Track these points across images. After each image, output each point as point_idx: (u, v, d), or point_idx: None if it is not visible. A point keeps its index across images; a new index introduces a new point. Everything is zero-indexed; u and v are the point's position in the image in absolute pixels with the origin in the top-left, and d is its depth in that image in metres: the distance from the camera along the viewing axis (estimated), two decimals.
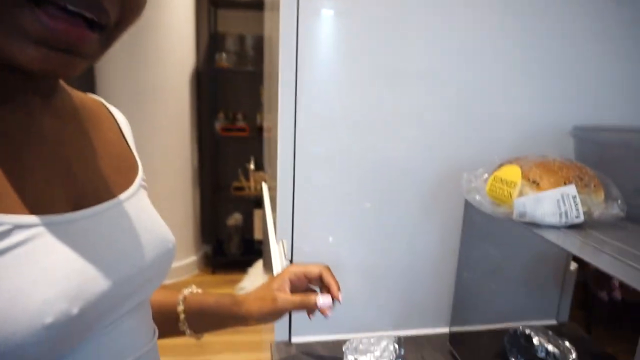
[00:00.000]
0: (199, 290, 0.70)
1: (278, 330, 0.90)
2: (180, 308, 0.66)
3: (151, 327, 0.56)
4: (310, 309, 0.69)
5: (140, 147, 0.61)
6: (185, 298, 0.67)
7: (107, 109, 0.57)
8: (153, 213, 0.55)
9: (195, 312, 0.67)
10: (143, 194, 0.55)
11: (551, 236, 0.57)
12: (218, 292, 0.70)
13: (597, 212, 0.59)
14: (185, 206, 3.03)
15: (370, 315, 0.94)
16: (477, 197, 0.68)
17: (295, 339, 0.91)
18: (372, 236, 0.91)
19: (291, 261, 0.87)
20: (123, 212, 0.48)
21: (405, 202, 0.89)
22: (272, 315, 0.68)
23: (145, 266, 0.49)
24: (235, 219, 3.23)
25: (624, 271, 0.47)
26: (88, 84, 2.75)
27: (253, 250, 3.13)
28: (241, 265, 3.01)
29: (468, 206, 0.80)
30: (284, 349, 0.88)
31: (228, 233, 3.23)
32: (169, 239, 0.54)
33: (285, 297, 0.68)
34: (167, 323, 0.65)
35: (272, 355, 0.86)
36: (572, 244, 0.55)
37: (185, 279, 3.07)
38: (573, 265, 0.95)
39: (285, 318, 0.90)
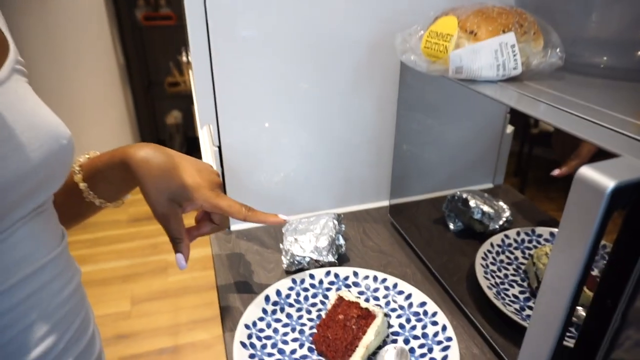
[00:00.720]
0: (97, 153, 0.59)
1: None
2: (78, 177, 0.56)
3: (58, 231, 0.49)
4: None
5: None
6: (81, 166, 0.57)
7: None
8: (37, 104, 0.45)
9: (94, 177, 0.57)
10: (19, 82, 0.44)
11: (488, 91, 0.53)
12: (114, 149, 0.57)
13: (535, 62, 0.55)
14: (117, 108, 2.81)
15: (311, 196, 0.92)
16: (412, 57, 0.62)
17: (234, 227, 0.88)
18: (311, 116, 0.85)
19: (219, 147, 0.81)
20: None
21: (342, 78, 0.82)
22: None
23: (33, 169, 0.41)
24: (174, 116, 3.06)
25: (561, 119, 0.44)
26: None
27: (197, 147, 3.02)
28: None
29: (404, 70, 0.74)
30: (224, 238, 0.85)
31: (169, 133, 3.08)
32: (62, 134, 0.45)
33: (171, 211, 0.56)
34: (73, 199, 0.57)
35: (211, 246, 0.83)
36: (509, 97, 0.52)
37: None
38: (509, 129, 0.95)
39: None
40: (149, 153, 0.54)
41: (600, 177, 0.32)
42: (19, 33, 2.41)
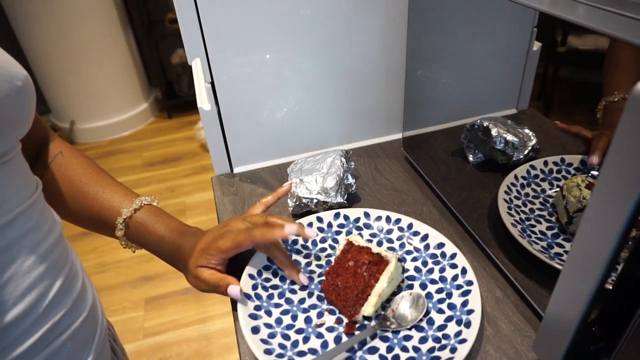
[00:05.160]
0: (146, 202, 0.58)
1: (217, 164, 0.82)
2: (120, 234, 0.57)
3: (29, 182, 0.45)
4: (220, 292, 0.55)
5: None
6: (127, 221, 0.57)
7: None
8: None
9: (136, 240, 0.59)
10: None
11: None
12: (167, 223, 0.58)
13: None
14: (120, 51, 2.71)
15: (317, 132, 0.85)
16: None
17: (237, 169, 0.83)
18: (314, 44, 0.76)
19: (212, 84, 0.74)
20: None
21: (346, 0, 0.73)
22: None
23: None
24: (180, 55, 2.94)
25: (605, 21, 0.35)
26: None
27: None
28: (196, 104, 2.83)
29: None
30: (226, 181, 0.80)
31: (176, 73, 2.98)
32: (15, 75, 0.40)
33: (201, 278, 0.55)
34: (109, 234, 0.59)
35: (213, 190, 0.79)
36: (541, 0, 0.43)
37: (142, 128, 2.94)
38: (536, 45, 0.84)
39: (222, 151, 0.81)
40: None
41: None
42: None
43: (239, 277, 0.57)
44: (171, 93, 3.04)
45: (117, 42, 2.68)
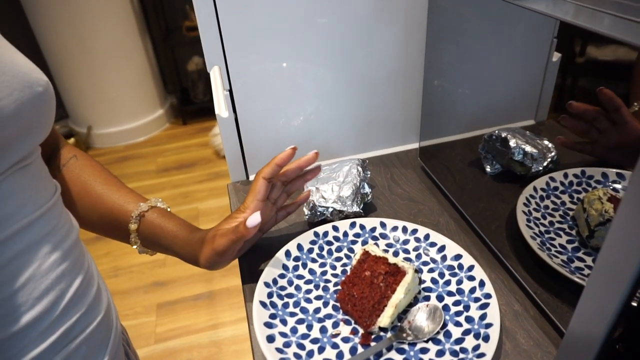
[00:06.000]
0: (160, 205, 0.59)
1: (233, 172, 0.82)
2: (133, 227, 0.57)
3: (48, 185, 0.46)
4: (245, 235, 0.53)
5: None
6: (141, 218, 0.57)
7: None
8: (5, 48, 0.40)
9: (148, 236, 0.58)
10: None
11: (537, 5, 0.44)
12: (179, 221, 0.60)
13: None
14: (137, 58, 2.76)
15: (333, 140, 0.85)
16: None
17: (254, 177, 0.83)
18: (330, 53, 0.76)
19: (230, 91, 0.74)
20: None
21: (362, 6, 0.73)
22: (218, 261, 0.56)
23: (5, 119, 0.36)
24: (195, 63, 2.98)
25: (630, 30, 0.35)
26: None
27: None
28: (211, 111, 2.86)
29: None
30: (242, 189, 0.80)
31: (191, 79, 3.02)
32: (36, 81, 0.40)
33: (220, 233, 0.56)
34: (117, 234, 0.59)
35: (229, 197, 0.79)
36: (565, 11, 0.42)
37: (157, 134, 2.97)
38: (556, 56, 0.84)
39: (238, 158, 0.81)
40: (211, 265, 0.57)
41: None
42: None
43: (254, 284, 0.57)
44: (186, 100, 3.07)
45: (135, 49, 2.72)
